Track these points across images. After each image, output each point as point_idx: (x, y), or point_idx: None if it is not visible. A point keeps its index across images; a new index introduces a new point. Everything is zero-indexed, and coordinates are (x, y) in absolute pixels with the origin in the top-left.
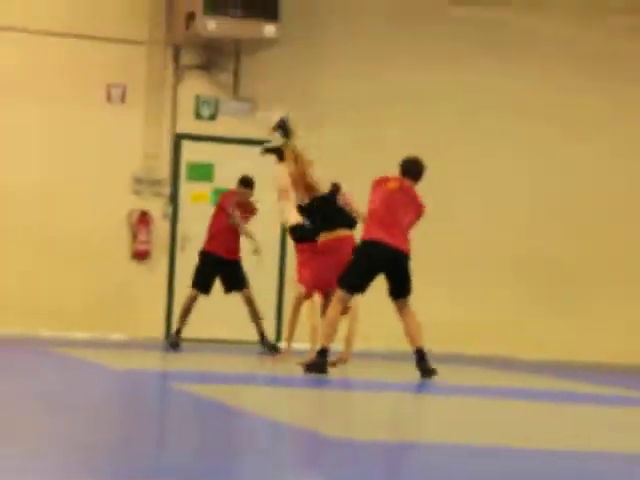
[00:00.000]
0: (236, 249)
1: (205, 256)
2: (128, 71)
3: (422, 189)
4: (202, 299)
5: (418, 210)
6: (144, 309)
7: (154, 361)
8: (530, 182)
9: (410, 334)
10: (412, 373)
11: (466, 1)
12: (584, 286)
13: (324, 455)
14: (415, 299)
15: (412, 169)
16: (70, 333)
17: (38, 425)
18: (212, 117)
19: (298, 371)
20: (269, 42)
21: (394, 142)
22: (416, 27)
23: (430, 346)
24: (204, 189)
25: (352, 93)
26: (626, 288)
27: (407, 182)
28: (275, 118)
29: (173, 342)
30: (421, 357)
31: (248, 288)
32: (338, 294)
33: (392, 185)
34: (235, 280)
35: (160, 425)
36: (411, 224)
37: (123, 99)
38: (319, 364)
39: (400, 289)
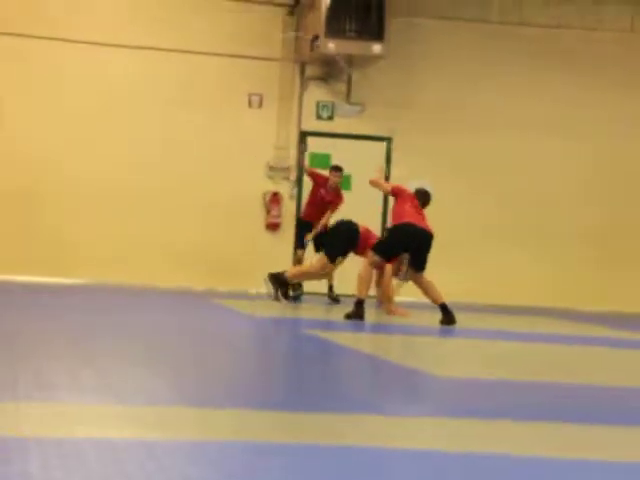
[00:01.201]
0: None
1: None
2: (265, 82)
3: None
4: None
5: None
6: (276, 269)
7: (287, 310)
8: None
9: (432, 296)
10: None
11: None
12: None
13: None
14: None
15: (424, 200)
16: (218, 287)
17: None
18: (330, 118)
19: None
20: (376, 58)
21: (470, 142)
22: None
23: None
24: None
25: (443, 101)
26: None
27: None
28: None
29: (334, 298)
30: (445, 309)
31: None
32: (371, 257)
33: (410, 192)
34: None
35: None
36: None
37: (260, 105)
38: (357, 312)
39: (422, 264)
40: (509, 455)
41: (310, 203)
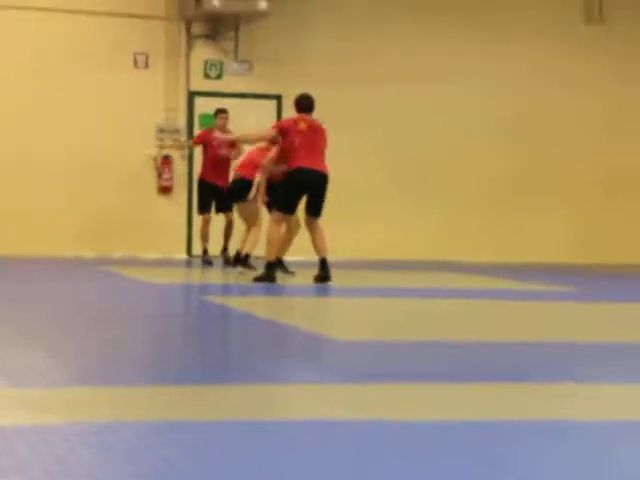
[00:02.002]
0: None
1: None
2: (150, 42)
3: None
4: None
5: (324, 135)
6: (169, 233)
7: (181, 276)
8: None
9: (317, 246)
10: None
11: None
12: (537, 199)
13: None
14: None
15: (307, 105)
16: (110, 253)
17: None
18: (218, 77)
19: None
20: (262, 14)
21: (364, 95)
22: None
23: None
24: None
25: (331, 54)
26: (571, 200)
27: (307, 117)
28: None
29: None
30: (324, 265)
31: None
32: (274, 215)
33: (302, 126)
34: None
35: (190, 328)
36: (324, 148)
37: (147, 65)
38: (268, 275)
39: (318, 209)
40: (407, 420)
41: (207, 162)
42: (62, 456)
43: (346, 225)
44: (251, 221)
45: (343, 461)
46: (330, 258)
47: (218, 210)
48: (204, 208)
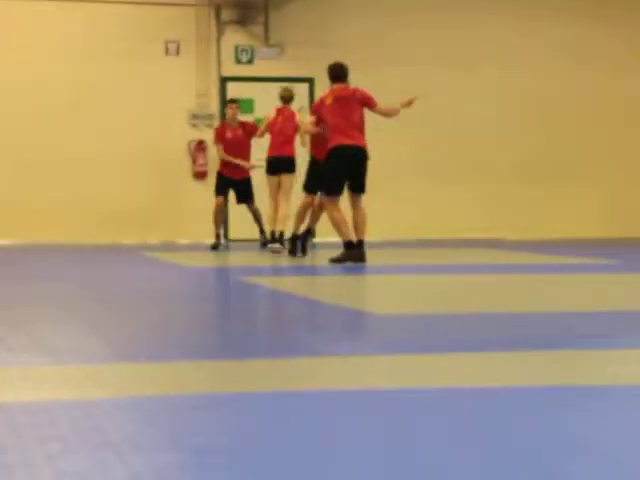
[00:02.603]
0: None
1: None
2: (181, 29)
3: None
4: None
5: (363, 101)
6: (205, 218)
7: (219, 259)
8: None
9: (356, 227)
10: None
11: None
12: (566, 176)
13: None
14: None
15: (338, 73)
16: (146, 239)
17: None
18: (249, 61)
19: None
20: None
21: (396, 78)
22: None
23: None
24: (247, 120)
25: (362, 36)
26: (600, 176)
27: (339, 86)
28: None
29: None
30: (360, 246)
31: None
32: (325, 200)
33: (328, 102)
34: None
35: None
36: (362, 118)
37: (178, 52)
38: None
39: (360, 185)
40: (461, 387)
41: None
42: (103, 428)
43: (379, 204)
44: (289, 194)
45: (390, 428)
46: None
47: (239, 201)
48: (218, 192)
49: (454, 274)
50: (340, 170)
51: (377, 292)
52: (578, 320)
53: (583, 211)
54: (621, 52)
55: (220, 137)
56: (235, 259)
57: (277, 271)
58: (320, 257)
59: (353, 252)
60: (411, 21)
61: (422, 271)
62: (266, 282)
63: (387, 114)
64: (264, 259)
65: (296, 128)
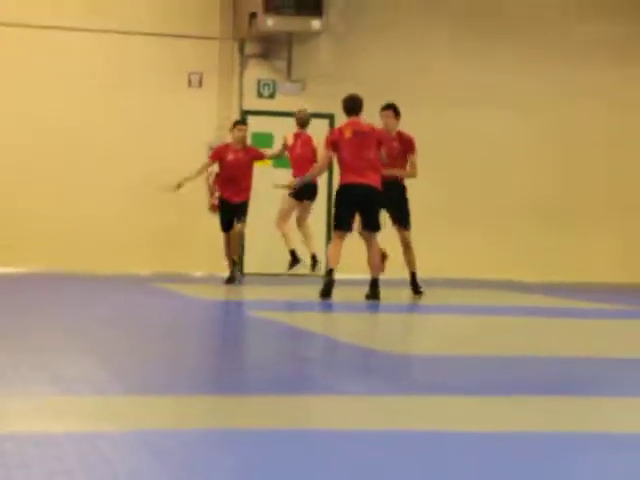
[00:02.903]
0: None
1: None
2: (204, 61)
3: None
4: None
5: (380, 140)
6: (218, 251)
7: (231, 292)
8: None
9: (370, 263)
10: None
11: None
12: (586, 220)
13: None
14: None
15: (353, 106)
16: (160, 271)
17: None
18: (271, 96)
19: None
20: (315, 34)
21: (417, 117)
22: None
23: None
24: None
25: (383, 72)
26: (620, 221)
27: (354, 120)
28: None
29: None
30: (374, 285)
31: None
32: (334, 234)
33: (347, 135)
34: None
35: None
36: (378, 156)
37: (200, 84)
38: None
39: (370, 223)
40: (479, 432)
41: (222, 179)
42: (112, 462)
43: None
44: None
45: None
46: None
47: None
48: (224, 227)
49: (475, 315)
50: (347, 207)
51: (398, 331)
52: (595, 365)
53: (603, 255)
54: None
55: (217, 156)
56: (249, 292)
57: (290, 306)
58: (352, 294)
59: (329, 281)
60: (432, 60)
61: (440, 311)
62: (279, 317)
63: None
64: (279, 293)
65: (315, 152)
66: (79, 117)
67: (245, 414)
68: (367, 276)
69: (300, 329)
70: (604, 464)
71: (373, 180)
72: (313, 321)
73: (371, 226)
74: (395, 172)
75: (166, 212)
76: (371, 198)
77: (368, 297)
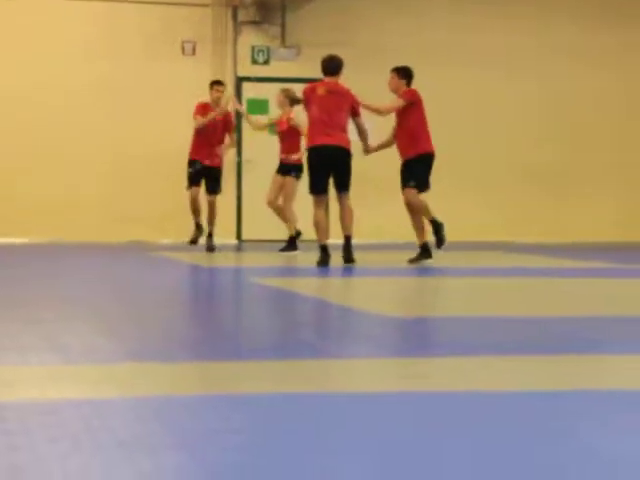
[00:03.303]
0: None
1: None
2: (197, 29)
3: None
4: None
5: (353, 104)
6: (219, 219)
7: (230, 259)
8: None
9: (342, 223)
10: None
11: None
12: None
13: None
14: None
15: (332, 66)
16: (160, 239)
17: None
18: (265, 62)
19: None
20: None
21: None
22: None
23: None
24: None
25: (378, 38)
26: (615, 182)
27: (331, 80)
28: None
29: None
30: (347, 244)
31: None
32: (313, 199)
33: (320, 92)
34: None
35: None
36: (347, 119)
37: (194, 52)
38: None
39: (342, 183)
40: (485, 390)
41: (197, 140)
42: (115, 428)
43: (397, 207)
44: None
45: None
46: (380, 241)
47: (208, 192)
48: (191, 183)
49: (473, 276)
50: (320, 170)
51: (384, 294)
52: (600, 323)
53: (597, 215)
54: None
55: (198, 112)
56: (251, 259)
57: (287, 272)
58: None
59: (324, 256)
60: (429, 24)
61: (440, 274)
62: (278, 283)
63: (361, 132)
64: (276, 260)
65: (298, 129)
66: (72, 85)
67: (246, 379)
68: (367, 240)
69: (307, 296)
70: (612, 421)
71: (342, 140)
72: (310, 285)
73: (344, 186)
74: (371, 106)
75: (159, 180)
76: (341, 158)
77: (345, 260)
